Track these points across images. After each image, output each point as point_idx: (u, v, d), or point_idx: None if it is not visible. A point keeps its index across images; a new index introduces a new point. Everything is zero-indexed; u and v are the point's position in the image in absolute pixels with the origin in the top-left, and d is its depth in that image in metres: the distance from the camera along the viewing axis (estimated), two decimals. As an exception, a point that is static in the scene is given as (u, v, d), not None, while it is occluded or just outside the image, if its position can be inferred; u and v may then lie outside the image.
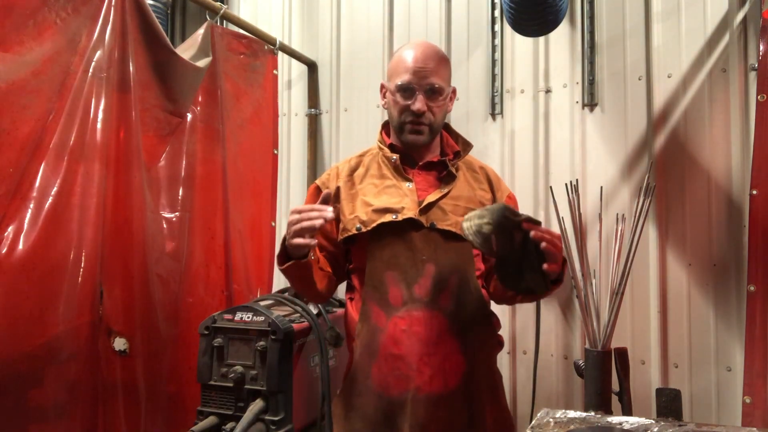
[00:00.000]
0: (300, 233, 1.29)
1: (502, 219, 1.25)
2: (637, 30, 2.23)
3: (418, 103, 1.46)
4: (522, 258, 1.27)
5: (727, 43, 2.11)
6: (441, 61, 1.51)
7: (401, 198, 1.48)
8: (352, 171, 1.57)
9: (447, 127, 1.64)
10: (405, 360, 1.41)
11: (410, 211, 1.45)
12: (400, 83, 1.48)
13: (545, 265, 1.25)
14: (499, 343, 1.58)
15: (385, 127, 1.62)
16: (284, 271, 1.42)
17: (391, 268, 1.45)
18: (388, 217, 1.45)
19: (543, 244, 1.24)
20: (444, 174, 1.53)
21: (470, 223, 1.28)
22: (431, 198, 1.48)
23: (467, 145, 1.60)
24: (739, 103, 2.08)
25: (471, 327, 1.47)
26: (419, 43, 1.54)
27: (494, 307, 1.59)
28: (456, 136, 1.63)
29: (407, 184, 1.50)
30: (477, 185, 1.57)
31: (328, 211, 1.28)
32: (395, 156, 1.53)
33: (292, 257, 1.38)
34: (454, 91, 1.58)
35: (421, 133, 1.50)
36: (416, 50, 1.50)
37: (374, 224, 1.45)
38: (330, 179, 1.58)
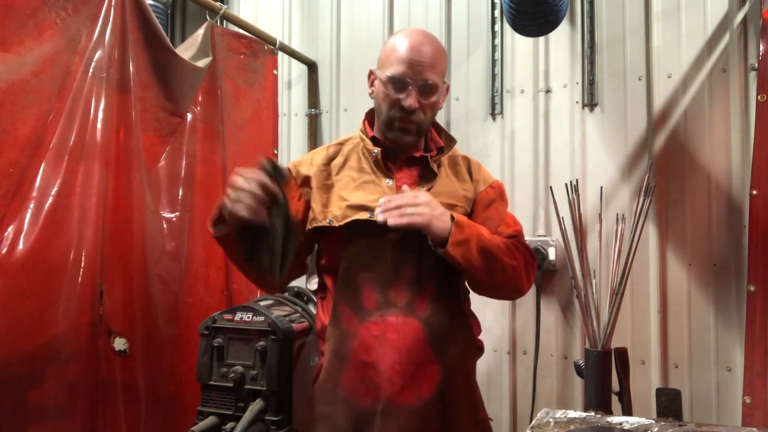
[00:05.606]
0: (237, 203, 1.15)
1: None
2: (637, 30, 2.23)
3: (410, 99, 1.35)
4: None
5: (727, 43, 2.11)
6: (438, 54, 1.40)
7: (379, 196, 1.35)
8: (330, 159, 1.46)
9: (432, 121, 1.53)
10: (376, 368, 1.31)
11: None
12: (392, 74, 1.36)
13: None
14: (479, 349, 1.48)
15: (370, 115, 1.51)
16: (220, 239, 1.32)
17: (366, 270, 1.35)
18: (363, 215, 1.34)
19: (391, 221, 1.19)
20: (425, 171, 1.43)
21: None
22: None
23: (450, 140, 1.49)
24: (739, 103, 2.08)
25: (449, 335, 1.37)
26: (416, 31, 1.42)
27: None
28: (440, 130, 1.52)
29: (387, 181, 1.40)
30: (459, 179, 1.47)
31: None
32: (377, 150, 1.41)
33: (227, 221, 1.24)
34: (447, 88, 1.48)
35: (408, 133, 1.39)
36: (413, 39, 1.38)
37: (347, 220, 1.35)
38: (302, 164, 1.47)
